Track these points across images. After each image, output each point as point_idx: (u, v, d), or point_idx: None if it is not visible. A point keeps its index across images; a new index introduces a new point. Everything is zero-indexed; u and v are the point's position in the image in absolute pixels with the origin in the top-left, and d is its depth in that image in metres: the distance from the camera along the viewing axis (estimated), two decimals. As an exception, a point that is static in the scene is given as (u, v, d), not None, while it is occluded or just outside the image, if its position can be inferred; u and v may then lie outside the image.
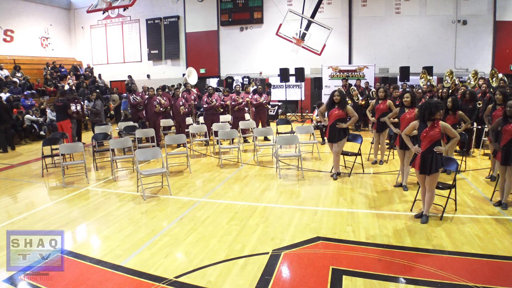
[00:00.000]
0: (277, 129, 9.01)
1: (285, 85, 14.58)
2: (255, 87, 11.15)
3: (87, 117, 11.31)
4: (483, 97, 7.93)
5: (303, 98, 14.78)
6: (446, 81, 10.32)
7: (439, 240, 3.82)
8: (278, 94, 14.96)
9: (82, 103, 11.23)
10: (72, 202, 5.46)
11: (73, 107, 9.18)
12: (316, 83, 14.08)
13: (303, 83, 14.64)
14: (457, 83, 10.02)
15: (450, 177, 5.72)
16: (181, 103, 9.63)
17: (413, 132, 4.47)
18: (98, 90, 13.08)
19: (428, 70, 12.18)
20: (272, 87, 14.56)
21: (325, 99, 13.12)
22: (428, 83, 11.04)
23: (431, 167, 4.11)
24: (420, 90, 9.20)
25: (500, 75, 9.59)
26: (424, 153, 4.16)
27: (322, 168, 7.00)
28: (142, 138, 8.93)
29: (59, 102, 9.28)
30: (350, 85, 11.78)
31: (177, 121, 9.78)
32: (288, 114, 14.43)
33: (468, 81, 10.31)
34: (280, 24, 13.25)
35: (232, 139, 9.01)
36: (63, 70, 16.22)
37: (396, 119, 5.91)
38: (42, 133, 11.21)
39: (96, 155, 7.77)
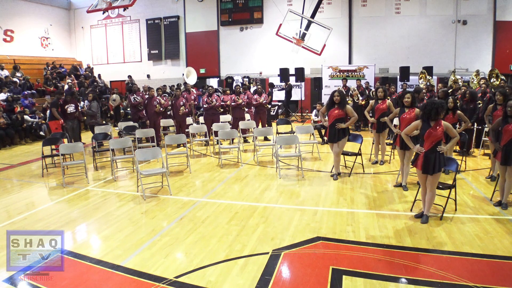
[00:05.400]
0: (277, 129, 9.01)
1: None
2: (255, 87, 11.14)
3: (85, 117, 11.26)
4: (483, 97, 7.93)
5: (303, 98, 14.78)
6: (472, 81, 10.35)
7: (439, 240, 3.82)
8: (278, 94, 14.96)
9: (81, 103, 11.21)
10: (72, 202, 5.46)
11: (70, 108, 9.16)
12: (316, 83, 14.08)
13: (303, 83, 14.64)
14: (460, 83, 10.03)
15: (450, 177, 5.72)
16: (181, 103, 9.63)
17: (414, 132, 4.47)
18: (97, 90, 13.07)
19: (428, 70, 12.18)
20: (274, 87, 14.56)
21: (325, 99, 13.15)
22: (428, 83, 11.05)
23: (434, 166, 4.11)
24: (424, 91, 9.17)
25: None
26: (427, 152, 4.15)
27: (322, 168, 7.00)
28: (142, 138, 8.93)
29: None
30: (349, 88, 11.79)
31: (177, 121, 9.77)
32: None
33: (471, 80, 10.32)
34: (280, 24, 13.26)
35: (232, 139, 9.01)
36: (63, 70, 16.22)
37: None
38: (41, 133, 11.21)
39: (96, 155, 7.77)
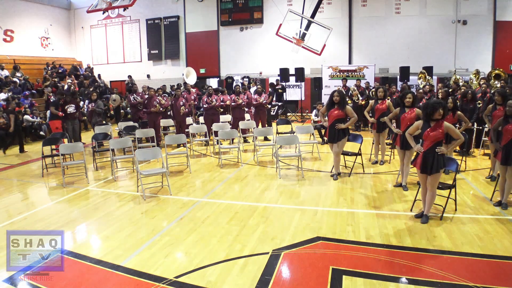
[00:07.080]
0: (277, 129, 9.01)
1: (285, 85, 14.59)
2: (255, 87, 11.14)
3: (84, 117, 11.21)
4: (483, 97, 7.93)
5: (303, 98, 14.78)
6: (471, 81, 10.35)
7: (439, 240, 3.82)
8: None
9: (82, 103, 11.19)
10: (72, 202, 5.46)
11: (70, 109, 9.15)
12: (316, 83, 14.08)
13: (303, 83, 14.65)
14: (460, 83, 10.01)
15: (450, 177, 5.72)
16: (181, 103, 9.63)
17: (416, 132, 4.47)
18: (97, 90, 13.06)
19: (428, 70, 12.18)
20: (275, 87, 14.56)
21: (325, 99, 13.16)
22: (427, 84, 11.04)
23: (432, 166, 4.12)
24: (421, 90, 9.19)
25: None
26: (426, 152, 4.16)
27: (322, 168, 7.00)
28: (142, 138, 8.93)
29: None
30: (348, 88, 11.79)
31: (177, 121, 9.77)
32: (288, 114, 14.43)
33: (471, 81, 10.31)
34: (280, 24, 13.27)
35: (232, 139, 9.01)
36: (61, 70, 16.19)
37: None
38: (42, 133, 11.21)
39: (96, 155, 7.77)
